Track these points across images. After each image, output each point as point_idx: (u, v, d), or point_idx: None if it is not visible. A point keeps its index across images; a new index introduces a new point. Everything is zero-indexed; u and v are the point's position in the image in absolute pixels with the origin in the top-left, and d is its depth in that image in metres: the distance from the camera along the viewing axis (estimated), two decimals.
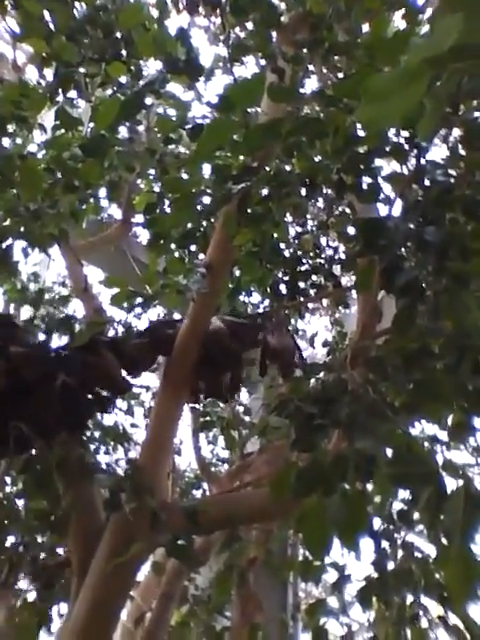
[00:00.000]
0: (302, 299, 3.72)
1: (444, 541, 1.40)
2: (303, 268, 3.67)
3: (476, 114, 2.15)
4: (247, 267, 3.39)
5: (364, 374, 1.98)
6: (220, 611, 4.04)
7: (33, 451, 2.69)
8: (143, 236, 5.76)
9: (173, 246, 3.23)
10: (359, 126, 2.18)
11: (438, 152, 2.73)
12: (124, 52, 3.24)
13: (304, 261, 3.72)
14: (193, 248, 3.39)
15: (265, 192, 2.69)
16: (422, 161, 2.13)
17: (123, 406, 4.61)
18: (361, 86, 0.85)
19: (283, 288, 3.63)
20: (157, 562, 3.84)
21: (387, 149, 2.26)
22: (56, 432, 2.65)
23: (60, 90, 3.15)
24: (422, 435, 2.12)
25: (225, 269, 2.98)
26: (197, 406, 5.07)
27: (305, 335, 4.83)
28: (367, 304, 2.64)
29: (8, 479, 3.58)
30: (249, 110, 3.06)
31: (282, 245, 3.64)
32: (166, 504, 2.65)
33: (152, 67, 3.35)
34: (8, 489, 3.57)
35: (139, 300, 3.10)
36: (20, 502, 3.61)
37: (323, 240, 3.98)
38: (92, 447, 3.47)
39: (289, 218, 3.76)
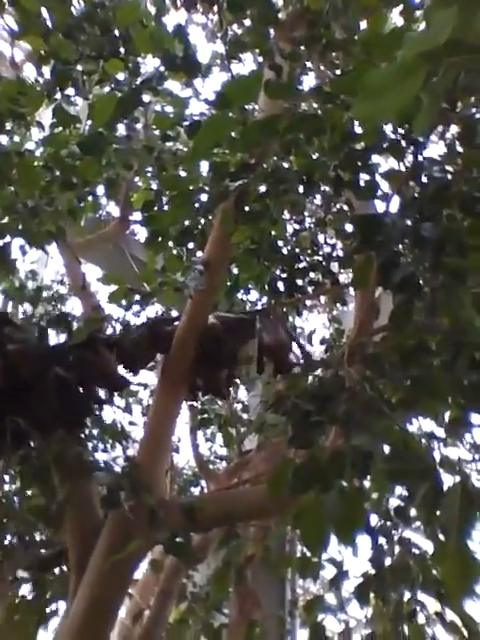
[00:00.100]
0: (300, 296, 3.71)
1: (441, 537, 1.40)
2: (301, 265, 3.66)
3: (473, 110, 2.15)
4: (245, 264, 3.39)
5: (361, 371, 1.98)
6: (218, 608, 4.05)
7: (31, 446, 2.69)
8: (141, 233, 5.76)
9: (171, 243, 3.22)
10: (356, 123, 2.18)
11: (435, 149, 2.74)
12: (122, 49, 3.23)
13: (302, 258, 3.71)
14: (191, 245, 3.39)
15: (262, 189, 2.69)
16: (419, 158, 2.13)
17: (121, 404, 4.60)
18: (358, 82, 0.85)
19: (281, 285, 3.62)
20: (155, 559, 3.85)
21: (384, 146, 2.26)
22: (54, 428, 2.65)
23: (57, 87, 3.15)
24: (419, 432, 2.12)
25: (223, 266, 2.98)
26: (195, 403, 5.07)
27: (303, 332, 4.83)
28: (364, 301, 2.64)
29: (6, 477, 3.58)
30: (246, 107, 3.06)
31: (280, 242, 3.63)
32: (164, 501, 2.65)
33: (150, 64, 3.34)
34: (6, 488, 3.57)
35: (137, 297, 3.10)
36: (18, 500, 3.62)
37: (321, 237, 3.97)
38: (90, 445, 3.47)
39: (287, 215, 3.76)
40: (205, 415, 5.17)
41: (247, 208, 2.66)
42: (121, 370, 2.94)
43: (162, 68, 3.12)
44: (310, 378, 2.29)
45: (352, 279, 2.29)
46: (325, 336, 4.92)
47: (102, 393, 2.94)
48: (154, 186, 3.87)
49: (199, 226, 3.16)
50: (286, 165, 2.87)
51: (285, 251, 3.71)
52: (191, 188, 2.85)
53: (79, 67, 3.16)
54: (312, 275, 3.70)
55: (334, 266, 3.75)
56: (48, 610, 3.29)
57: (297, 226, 3.93)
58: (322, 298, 5.43)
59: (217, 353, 2.91)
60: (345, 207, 3.74)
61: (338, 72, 3.38)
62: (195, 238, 3.18)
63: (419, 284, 1.84)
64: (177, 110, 3.35)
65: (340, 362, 2.05)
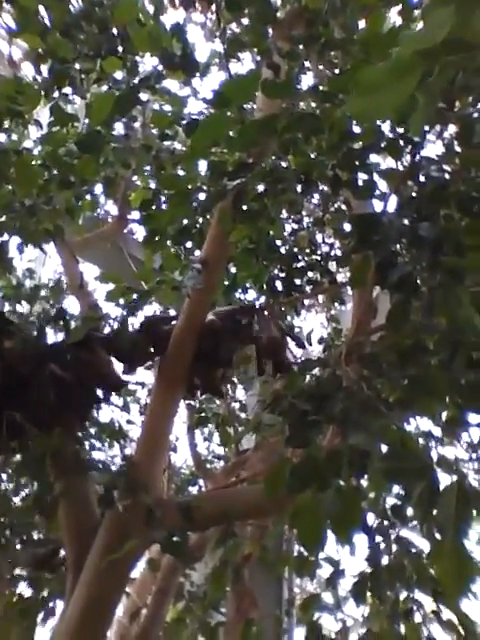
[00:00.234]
0: (298, 295, 3.72)
1: (437, 536, 1.40)
2: (299, 264, 3.67)
3: (471, 110, 2.15)
4: (243, 263, 3.39)
5: (358, 370, 1.98)
6: (215, 607, 4.05)
7: (27, 440, 2.69)
8: (139, 232, 5.76)
9: (169, 242, 3.22)
10: (354, 122, 2.18)
11: (433, 148, 2.74)
12: (120, 48, 3.23)
13: (300, 257, 3.72)
14: (189, 244, 3.39)
15: (261, 188, 2.69)
16: (417, 157, 2.13)
17: (119, 402, 4.60)
18: (353, 80, 0.85)
19: (279, 284, 3.63)
20: (152, 558, 3.84)
21: (382, 145, 2.26)
22: (52, 427, 2.65)
23: (55, 86, 3.14)
24: (416, 431, 2.12)
25: (221, 265, 2.98)
26: (193, 403, 5.08)
27: (301, 332, 4.83)
28: (362, 300, 2.64)
29: (3, 476, 3.58)
30: (245, 106, 3.06)
31: (278, 241, 3.64)
32: (161, 500, 2.65)
33: (148, 63, 3.34)
34: (2, 486, 3.57)
35: (135, 296, 3.10)
36: (16, 499, 3.62)
37: (319, 236, 3.98)
38: (88, 443, 3.47)
39: (285, 214, 3.76)
40: (203, 414, 5.17)
41: (245, 207, 2.66)
42: (119, 369, 2.95)
43: (160, 67, 3.12)
44: (307, 377, 2.29)
45: (350, 278, 2.29)
46: (323, 335, 4.92)
47: (99, 392, 2.94)
48: (152, 185, 3.87)
49: (197, 225, 3.17)
50: (284, 164, 2.87)
51: (283, 250, 3.72)
52: (189, 187, 2.85)
53: (77, 66, 3.16)
54: (310, 274, 3.71)
55: (332, 265, 3.76)
56: (45, 609, 3.30)
57: (295, 225, 3.94)
58: (320, 297, 5.43)
59: (215, 351, 2.91)
60: (343, 206, 3.75)
61: (337, 71, 3.38)
62: (193, 237, 3.18)
63: (416, 283, 1.84)
64: (175, 109, 3.34)
65: (337, 361, 2.05)
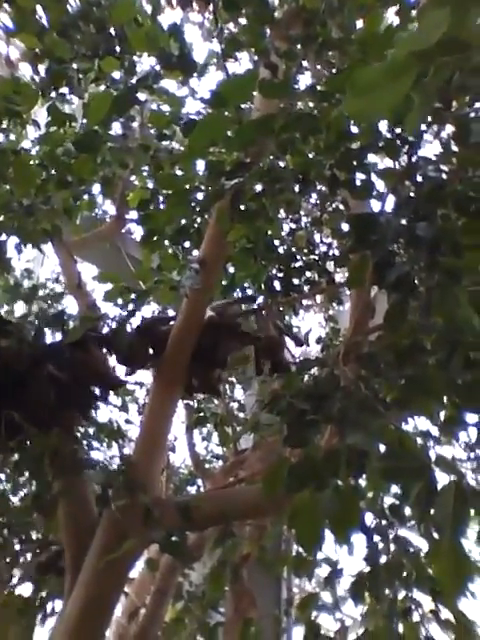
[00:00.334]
0: (296, 295, 3.72)
1: (435, 536, 1.41)
2: (297, 264, 3.67)
3: (468, 110, 2.15)
4: (241, 263, 3.39)
5: (356, 370, 1.98)
6: (214, 607, 4.05)
7: (25, 438, 2.70)
8: (137, 232, 5.76)
9: (167, 242, 3.22)
10: (352, 122, 2.18)
11: (431, 148, 2.74)
12: (117, 48, 3.23)
13: (298, 257, 3.72)
14: (187, 244, 3.39)
15: (259, 188, 2.69)
16: (414, 157, 2.13)
17: (117, 402, 4.60)
18: (348, 80, 0.85)
19: (277, 284, 3.63)
20: (151, 558, 3.84)
21: (380, 145, 2.26)
22: (49, 426, 2.65)
23: (52, 86, 3.14)
24: (414, 430, 2.12)
25: (219, 265, 2.98)
26: (191, 402, 5.08)
27: (299, 331, 4.83)
28: (360, 300, 2.65)
29: (2, 476, 3.58)
30: (243, 106, 3.06)
31: (276, 241, 3.64)
32: (160, 500, 2.65)
33: (146, 63, 3.34)
34: (1, 486, 3.58)
35: (133, 296, 3.10)
36: (14, 498, 3.62)
37: (317, 236, 3.98)
38: (86, 443, 3.47)
39: (283, 214, 3.76)
40: (201, 414, 5.17)
41: (243, 207, 2.66)
42: (117, 369, 2.95)
43: (158, 67, 3.12)
44: (305, 377, 2.29)
45: (347, 278, 2.29)
46: (321, 335, 4.93)
47: (97, 392, 2.94)
48: (150, 185, 3.87)
49: (195, 225, 3.17)
50: (282, 164, 2.87)
51: (281, 250, 3.72)
52: (187, 187, 2.85)
53: (74, 65, 3.16)
54: (308, 274, 3.71)
55: (330, 265, 3.76)
56: (44, 608, 3.30)
57: (293, 225, 3.94)
58: (318, 297, 5.43)
59: (213, 350, 2.91)
60: (341, 206, 3.75)
61: (334, 71, 3.38)
62: (191, 237, 3.18)
63: (414, 283, 1.84)
64: (173, 109, 3.35)
65: (335, 361, 2.05)
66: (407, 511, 2.10)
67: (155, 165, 3.58)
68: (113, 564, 2.33)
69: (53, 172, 3.14)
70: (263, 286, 3.59)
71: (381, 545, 2.25)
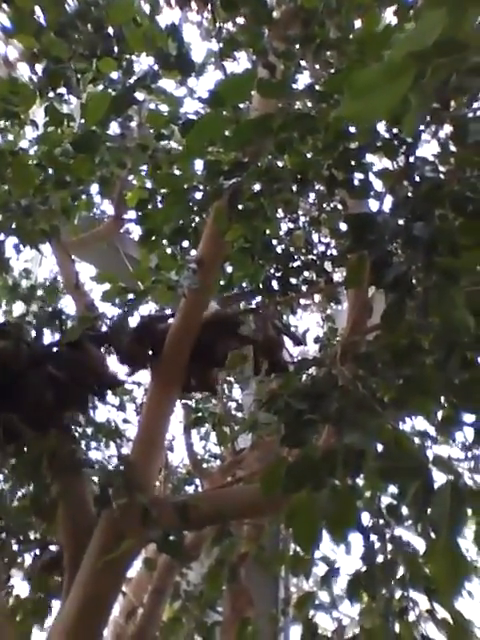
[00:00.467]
0: (294, 295, 3.72)
1: (432, 535, 1.41)
2: (295, 264, 3.67)
3: (466, 110, 2.16)
4: (239, 263, 3.39)
5: (354, 370, 1.98)
6: (212, 606, 4.05)
7: (23, 441, 2.70)
8: (135, 232, 5.75)
9: (165, 242, 3.22)
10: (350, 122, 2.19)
11: (428, 148, 2.74)
12: (115, 48, 3.23)
13: (296, 257, 3.72)
14: (185, 244, 3.38)
15: (256, 188, 2.70)
16: (412, 157, 2.14)
17: (115, 402, 4.60)
18: (345, 81, 0.85)
19: (275, 284, 3.63)
20: (149, 558, 3.85)
21: (378, 145, 2.27)
22: (47, 426, 2.65)
23: (50, 86, 3.14)
24: (412, 430, 2.12)
25: (216, 265, 2.98)
26: (189, 402, 5.08)
27: (297, 331, 4.84)
28: (357, 300, 2.65)
29: (0, 476, 3.58)
30: (241, 106, 3.06)
31: (274, 241, 3.64)
32: (157, 500, 2.65)
33: (144, 63, 3.34)
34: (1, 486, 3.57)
35: (131, 296, 3.10)
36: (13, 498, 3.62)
37: (315, 236, 3.98)
38: (83, 443, 3.47)
39: (280, 214, 3.76)
40: (199, 414, 5.17)
41: (241, 206, 2.67)
42: (118, 368, 2.96)
43: (156, 66, 3.12)
44: (303, 377, 2.29)
45: (345, 278, 2.29)
46: (319, 335, 4.93)
47: (95, 391, 2.94)
48: (148, 184, 3.87)
49: (193, 224, 3.16)
50: (280, 164, 2.87)
51: (279, 250, 3.72)
52: (185, 186, 2.85)
53: (72, 65, 3.15)
54: (306, 274, 3.71)
55: (328, 265, 3.76)
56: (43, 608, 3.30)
57: (291, 225, 3.94)
58: (316, 297, 5.43)
59: (212, 348, 2.92)
60: (339, 206, 3.75)
61: (333, 71, 3.38)
62: (189, 236, 3.18)
63: (411, 283, 1.85)
64: (171, 109, 3.35)
65: (333, 361, 2.05)
66: (404, 511, 2.10)
67: (153, 165, 3.58)
68: (111, 564, 2.33)
69: (51, 172, 3.13)
70: (261, 286, 3.59)
71: (378, 544, 2.26)
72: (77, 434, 3.07)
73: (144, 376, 4.63)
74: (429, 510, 1.43)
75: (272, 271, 3.64)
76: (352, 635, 2.28)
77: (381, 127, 2.27)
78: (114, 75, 3.23)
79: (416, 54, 0.80)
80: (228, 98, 2.09)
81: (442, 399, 1.82)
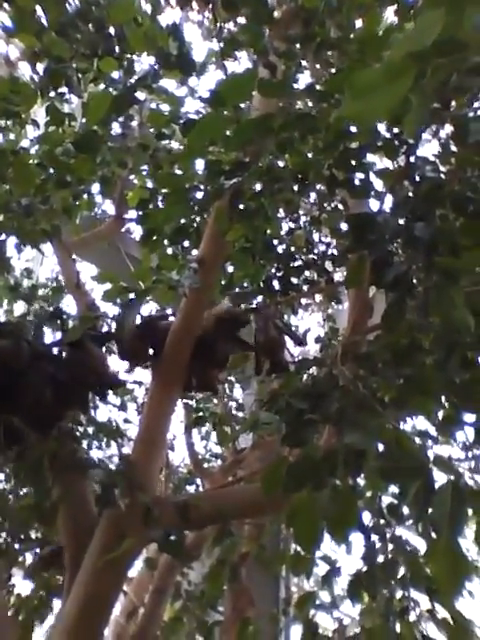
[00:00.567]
0: (295, 295, 3.72)
1: (433, 535, 1.41)
2: (296, 264, 3.67)
3: (466, 110, 2.16)
4: (240, 263, 3.39)
5: (354, 370, 1.98)
6: (213, 606, 4.06)
7: (25, 443, 2.70)
8: (136, 232, 5.76)
9: (166, 242, 3.22)
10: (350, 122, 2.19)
11: (429, 148, 2.74)
12: (116, 47, 3.23)
13: (296, 257, 3.72)
14: (186, 244, 3.39)
15: (257, 187, 2.70)
16: (412, 157, 2.14)
17: (116, 401, 4.60)
18: (346, 81, 0.85)
19: (276, 284, 3.63)
20: (150, 557, 3.85)
21: (378, 145, 2.27)
22: (48, 426, 2.65)
23: (51, 86, 3.15)
24: (412, 430, 2.12)
25: (217, 264, 2.98)
26: (190, 402, 5.08)
27: (298, 331, 4.84)
28: (358, 300, 2.65)
29: (1, 476, 3.59)
30: (243, 106, 3.06)
31: (274, 240, 3.64)
32: (158, 499, 2.65)
33: (145, 62, 3.34)
34: (0, 486, 3.58)
35: (132, 296, 3.10)
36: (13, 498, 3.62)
37: (315, 236, 3.98)
38: (85, 442, 3.47)
39: (281, 213, 3.76)
40: (200, 413, 5.17)
41: (242, 206, 2.67)
42: (119, 366, 2.96)
43: (157, 66, 3.12)
44: (304, 376, 2.29)
45: (345, 278, 2.29)
46: (320, 334, 4.93)
47: (96, 392, 2.94)
48: (149, 184, 3.87)
49: (194, 224, 3.16)
50: (281, 163, 2.87)
51: (280, 249, 3.72)
52: (186, 186, 2.85)
53: (73, 65, 3.16)
54: (307, 273, 3.71)
55: (329, 264, 3.76)
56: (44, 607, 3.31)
57: (292, 224, 3.94)
58: (317, 296, 5.43)
59: (213, 349, 2.92)
60: (340, 206, 3.75)
61: (333, 71, 3.38)
62: (190, 236, 3.18)
63: (412, 283, 1.85)
64: (172, 108, 3.35)
65: (333, 361, 2.05)
66: (405, 510, 2.11)
67: (154, 164, 3.58)
68: (112, 563, 2.33)
69: (52, 172, 3.13)
70: (262, 285, 3.59)
71: (379, 544, 2.26)
72: (78, 434, 3.07)
73: (145, 376, 4.65)
74: (430, 510, 1.43)
75: (273, 271, 3.64)
76: (353, 635, 2.28)
77: (382, 127, 2.27)
78: (115, 75, 3.23)
79: (416, 54, 0.80)
80: (229, 98, 2.10)
81: (443, 399, 1.83)
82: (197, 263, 2.77)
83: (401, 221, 1.93)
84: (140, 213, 3.27)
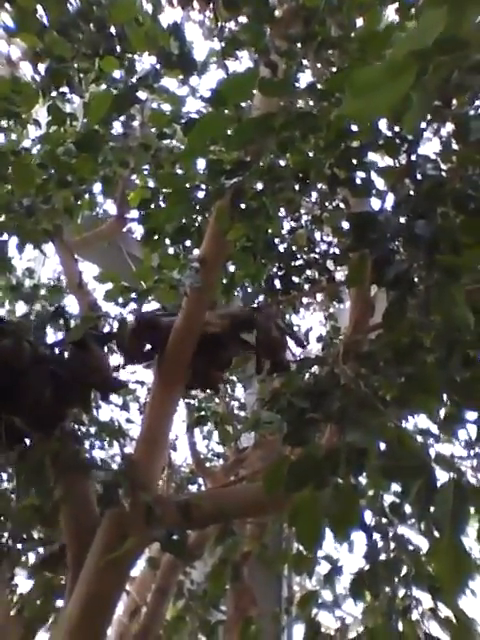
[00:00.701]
0: (296, 294, 3.72)
1: (435, 533, 1.41)
2: (297, 263, 3.67)
3: (468, 108, 2.15)
4: (241, 262, 3.39)
5: (356, 368, 1.98)
6: (215, 605, 4.06)
7: (27, 444, 2.70)
8: (138, 231, 5.76)
9: (167, 241, 3.22)
10: (352, 121, 2.19)
11: (430, 146, 2.74)
12: (117, 47, 3.23)
13: (298, 256, 3.72)
14: (187, 243, 3.39)
15: (259, 187, 2.69)
16: (414, 155, 2.14)
17: (118, 401, 4.60)
18: (347, 80, 0.86)
19: (277, 283, 3.63)
20: (152, 557, 3.86)
21: (379, 143, 2.27)
22: (50, 426, 2.65)
23: (52, 85, 3.15)
24: (414, 428, 2.12)
25: (219, 264, 2.97)
26: (192, 401, 5.08)
27: (300, 330, 4.84)
28: (359, 299, 2.65)
29: (4, 475, 3.59)
30: (244, 105, 3.06)
31: (276, 240, 3.63)
32: (160, 499, 2.65)
33: (146, 62, 3.35)
34: (2, 486, 3.58)
35: (133, 295, 3.10)
36: (14, 497, 3.63)
37: (317, 235, 3.98)
38: (87, 442, 3.48)
39: (283, 212, 3.76)
40: (202, 413, 5.17)
41: (243, 205, 2.66)
42: (119, 363, 2.96)
43: (158, 65, 3.13)
44: (305, 375, 2.29)
45: (347, 277, 2.29)
46: (321, 333, 4.93)
47: (98, 393, 2.94)
48: (151, 184, 3.87)
49: (195, 224, 3.16)
50: (282, 163, 2.87)
51: (281, 248, 3.71)
52: (187, 186, 2.85)
53: (75, 65, 3.16)
54: (308, 272, 3.71)
55: (330, 263, 3.76)
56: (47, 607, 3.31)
57: (293, 223, 3.93)
58: (318, 295, 5.43)
59: (222, 351, 2.92)
60: (341, 204, 3.75)
61: (334, 69, 3.38)
62: (191, 236, 3.18)
63: (413, 281, 1.85)
64: (173, 108, 3.35)
65: (335, 359, 2.05)
66: (407, 509, 2.11)
67: (156, 164, 3.59)
68: (114, 563, 2.33)
69: (54, 172, 3.14)
70: (263, 284, 3.59)
71: (381, 543, 2.26)
72: (81, 433, 3.07)
73: (147, 376, 4.65)
74: (432, 508, 1.44)
75: (274, 270, 3.63)
76: (355, 634, 2.28)
77: (383, 125, 2.27)
78: (116, 74, 3.23)
79: (417, 52, 0.80)
80: (230, 97, 2.10)
81: (444, 397, 1.83)
82: (198, 262, 2.77)
83: (402, 219, 1.93)
84: (141, 213, 3.27)
